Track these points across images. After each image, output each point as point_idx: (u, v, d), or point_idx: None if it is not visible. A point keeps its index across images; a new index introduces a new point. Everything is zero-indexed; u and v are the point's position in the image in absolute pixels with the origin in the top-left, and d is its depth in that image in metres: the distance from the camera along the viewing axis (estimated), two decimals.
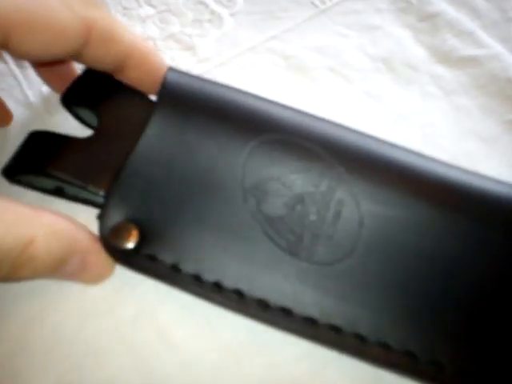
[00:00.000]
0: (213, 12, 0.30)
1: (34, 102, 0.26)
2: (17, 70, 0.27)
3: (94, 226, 0.20)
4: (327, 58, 0.28)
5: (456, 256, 0.19)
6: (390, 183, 0.20)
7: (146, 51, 0.22)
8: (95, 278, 0.20)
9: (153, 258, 0.19)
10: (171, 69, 0.22)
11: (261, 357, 0.19)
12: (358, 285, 0.19)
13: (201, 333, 0.20)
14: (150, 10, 0.30)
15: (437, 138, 0.25)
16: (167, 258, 0.19)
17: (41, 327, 0.19)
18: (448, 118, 0.26)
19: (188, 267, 0.19)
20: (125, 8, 0.30)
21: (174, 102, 0.21)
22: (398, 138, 0.25)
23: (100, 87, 0.23)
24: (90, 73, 0.23)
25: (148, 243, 0.19)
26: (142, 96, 0.23)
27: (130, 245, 0.19)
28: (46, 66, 0.24)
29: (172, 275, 0.19)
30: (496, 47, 0.28)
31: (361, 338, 0.18)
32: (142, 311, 0.20)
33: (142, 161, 0.20)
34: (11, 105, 0.25)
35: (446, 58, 0.28)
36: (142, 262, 0.19)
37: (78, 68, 0.25)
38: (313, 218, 0.19)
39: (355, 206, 0.19)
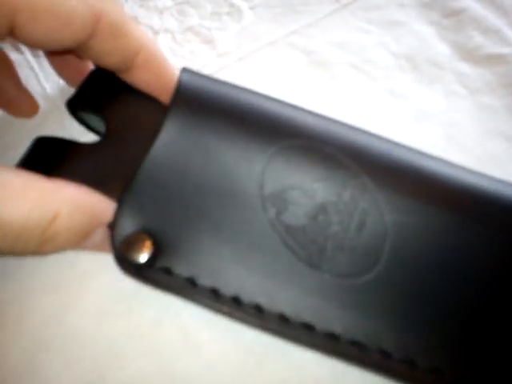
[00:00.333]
0: (232, 5, 0.29)
1: (52, 95, 0.25)
2: (33, 62, 0.27)
3: None
4: (349, 54, 0.28)
5: (480, 268, 0.18)
6: (415, 193, 0.19)
7: (156, 51, 0.21)
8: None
9: (168, 272, 0.18)
10: (185, 69, 0.21)
11: (283, 359, 0.19)
12: (383, 299, 0.18)
13: (224, 334, 0.19)
14: (167, 2, 0.29)
15: (461, 139, 0.25)
16: (183, 271, 0.18)
17: (60, 325, 0.19)
18: (473, 118, 0.25)
19: (205, 281, 0.18)
20: None
21: (189, 105, 0.20)
22: (421, 137, 0.25)
23: (107, 90, 0.22)
24: (96, 75, 0.23)
25: (163, 255, 0.18)
26: (151, 99, 0.22)
27: (144, 257, 0.18)
28: (57, 55, 0.23)
29: (188, 289, 0.18)
30: None
31: (385, 354, 0.17)
32: (163, 311, 0.20)
33: (155, 167, 0.19)
34: None
35: (471, 55, 0.27)
36: (157, 275, 0.18)
37: None
38: (335, 228, 0.19)
39: (380, 217, 0.19)
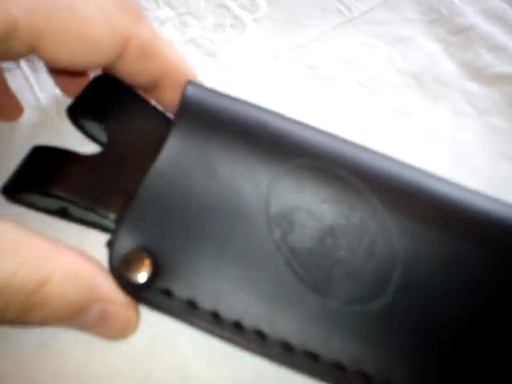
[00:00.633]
0: (235, 17, 0.28)
1: (46, 105, 0.25)
2: (28, 71, 0.26)
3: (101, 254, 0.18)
4: (354, 70, 0.27)
5: (495, 300, 0.18)
6: (426, 218, 0.18)
7: (186, 72, 0.20)
8: (117, 334, 0.18)
9: (167, 293, 0.17)
10: (191, 83, 0.20)
11: None
12: (392, 328, 0.17)
13: (223, 363, 0.18)
14: (169, 12, 0.29)
15: (469, 160, 0.24)
16: (183, 292, 0.17)
17: (46, 356, 0.18)
18: (481, 139, 0.25)
19: (206, 304, 0.17)
20: (143, 9, 0.29)
21: (195, 120, 0.19)
22: (428, 158, 0.24)
23: (110, 98, 0.21)
24: (100, 81, 0.22)
25: (162, 276, 0.17)
26: (157, 111, 0.21)
27: (143, 276, 0.17)
28: (65, 73, 0.23)
29: (188, 312, 0.17)
30: None
31: None
32: (158, 338, 0.19)
33: (158, 184, 0.18)
34: None
35: (478, 74, 0.27)
36: (156, 296, 0.17)
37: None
38: (343, 253, 0.18)
39: (389, 242, 0.18)
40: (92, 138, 0.23)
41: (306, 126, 0.21)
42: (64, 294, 0.15)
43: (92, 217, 0.20)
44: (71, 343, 0.18)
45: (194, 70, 0.21)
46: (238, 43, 0.27)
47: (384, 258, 0.18)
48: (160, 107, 0.22)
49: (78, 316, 0.16)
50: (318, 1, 0.29)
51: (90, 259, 0.17)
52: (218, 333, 0.17)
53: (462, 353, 0.17)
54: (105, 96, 0.21)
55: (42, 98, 0.25)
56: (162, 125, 0.20)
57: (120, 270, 0.17)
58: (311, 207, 0.18)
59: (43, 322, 0.16)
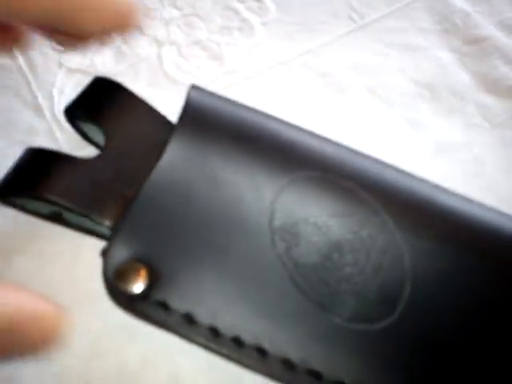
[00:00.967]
0: (243, 19, 0.28)
1: (43, 104, 0.24)
2: (26, 68, 0.25)
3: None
4: (365, 78, 0.26)
5: (503, 319, 0.17)
6: (438, 234, 0.18)
7: None
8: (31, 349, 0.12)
9: (164, 306, 0.16)
10: (194, 86, 0.20)
11: None
12: (400, 349, 0.16)
13: (222, 379, 0.17)
14: (174, 13, 0.28)
15: (482, 176, 0.23)
16: (180, 306, 0.16)
17: (36, 368, 0.17)
18: (495, 154, 0.24)
19: (204, 318, 0.16)
20: (146, 7, 0.28)
21: (197, 125, 0.19)
22: (440, 171, 0.23)
23: (108, 100, 0.20)
24: (98, 83, 0.21)
25: (159, 287, 0.16)
26: (157, 114, 0.20)
27: (139, 287, 0.16)
28: None
29: (185, 327, 0.16)
30: None
31: None
32: (153, 350, 0.18)
33: (156, 191, 0.17)
34: (17, 106, 0.23)
35: (494, 87, 0.26)
36: (152, 309, 0.16)
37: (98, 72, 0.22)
38: (350, 269, 0.17)
39: (399, 259, 0.17)
40: (89, 140, 0.22)
41: (314, 135, 0.20)
42: None
43: (87, 223, 0.19)
44: (65, 355, 0.17)
45: None
46: (246, 47, 0.26)
47: (392, 277, 0.17)
48: (161, 111, 0.21)
49: None
50: (330, 6, 0.28)
51: (34, 295, 0.12)
52: (216, 349, 0.16)
53: (472, 370, 0.16)
54: (103, 97, 0.21)
55: (39, 96, 0.24)
56: (162, 129, 0.19)
57: (114, 281, 0.16)
58: (317, 220, 0.17)
59: None
